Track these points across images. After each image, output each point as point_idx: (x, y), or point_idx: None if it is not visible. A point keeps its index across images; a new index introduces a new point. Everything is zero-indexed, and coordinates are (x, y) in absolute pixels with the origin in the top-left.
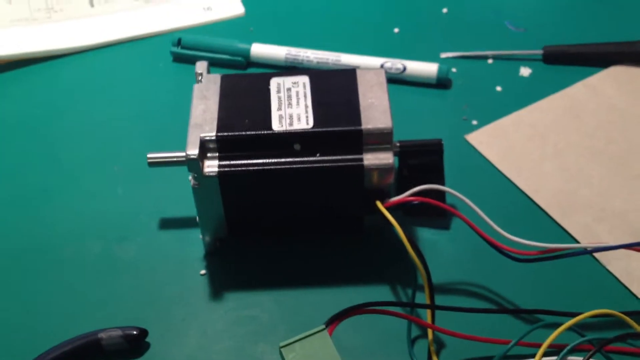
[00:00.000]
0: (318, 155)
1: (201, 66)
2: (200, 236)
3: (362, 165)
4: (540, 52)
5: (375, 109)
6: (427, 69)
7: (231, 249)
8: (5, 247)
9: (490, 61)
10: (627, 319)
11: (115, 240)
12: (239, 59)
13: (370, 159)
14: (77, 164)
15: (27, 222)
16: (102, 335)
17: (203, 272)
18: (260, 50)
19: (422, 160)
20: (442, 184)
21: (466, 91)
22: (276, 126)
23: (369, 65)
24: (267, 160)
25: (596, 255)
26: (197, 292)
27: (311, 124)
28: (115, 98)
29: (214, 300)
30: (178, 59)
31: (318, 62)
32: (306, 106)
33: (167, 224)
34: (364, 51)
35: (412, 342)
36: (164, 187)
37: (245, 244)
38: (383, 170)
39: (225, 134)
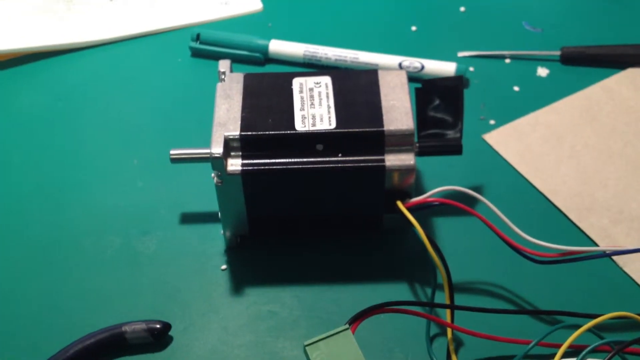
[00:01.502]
0: (340, 155)
1: (224, 65)
2: (221, 232)
3: (384, 166)
4: (557, 52)
5: (397, 111)
6: (445, 68)
7: (251, 245)
8: (27, 240)
9: (507, 61)
10: None
11: (136, 234)
12: (257, 55)
13: (392, 159)
14: (97, 157)
15: (47, 216)
16: (126, 328)
17: (224, 267)
18: (278, 47)
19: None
20: (461, 118)
21: (484, 91)
22: (299, 126)
23: (387, 63)
24: (289, 160)
25: (613, 257)
26: (218, 287)
27: (334, 124)
28: (134, 92)
29: (235, 295)
30: (197, 54)
31: (336, 60)
32: (329, 107)
33: (188, 218)
34: (381, 49)
35: (431, 340)
36: (184, 182)
37: (266, 240)
38: (404, 171)
39: (249, 133)
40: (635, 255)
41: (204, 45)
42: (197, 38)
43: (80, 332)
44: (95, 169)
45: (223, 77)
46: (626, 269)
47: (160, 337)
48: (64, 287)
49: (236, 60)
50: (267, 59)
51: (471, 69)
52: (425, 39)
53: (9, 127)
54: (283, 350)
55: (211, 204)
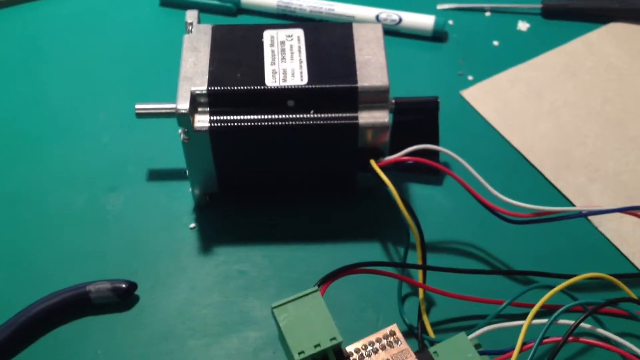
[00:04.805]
0: (312, 112)
1: (191, 15)
2: (190, 190)
3: (357, 124)
4: (539, 6)
5: (372, 66)
6: (423, 21)
7: (221, 203)
8: None
9: (487, 14)
10: (618, 282)
11: (102, 191)
12: (229, 5)
13: (366, 117)
14: (61, 111)
15: (9, 172)
16: (90, 288)
17: (192, 225)
18: None
19: (418, 117)
20: (437, 141)
21: (462, 45)
22: (269, 82)
23: (363, 15)
24: (259, 117)
25: (588, 217)
26: (186, 245)
27: (305, 80)
28: (99, 42)
29: (204, 254)
30: (166, 2)
31: (311, 11)
32: (300, 61)
33: (156, 175)
34: (358, 0)
35: (402, 300)
36: (152, 137)
37: (236, 199)
38: (378, 129)
39: (217, 88)
40: (611, 215)
41: None
42: None
43: (43, 291)
44: (59, 123)
45: (190, 28)
46: (601, 229)
47: (125, 296)
48: (27, 245)
49: (207, 10)
50: (239, 9)
51: (450, 22)
52: None
53: None
54: (252, 309)
55: (180, 161)
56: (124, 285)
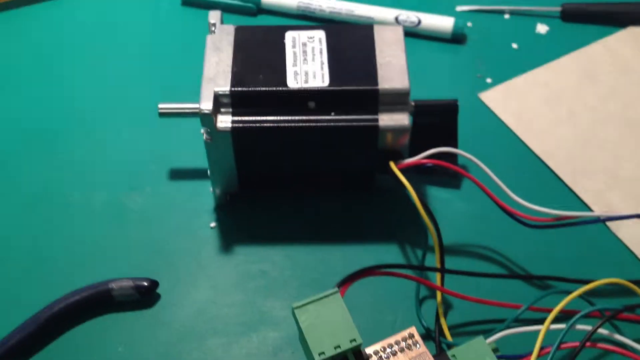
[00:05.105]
0: (333, 114)
1: (214, 16)
2: (211, 189)
3: (377, 126)
4: (558, 9)
5: (392, 68)
6: (443, 23)
7: (242, 203)
8: (12, 194)
9: (507, 16)
10: (636, 288)
11: (124, 189)
12: (250, 5)
13: (386, 119)
14: (84, 108)
15: (33, 169)
16: (113, 285)
17: (213, 224)
18: None
19: (437, 120)
20: (455, 144)
21: (481, 47)
22: (291, 83)
23: (383, 17)
24: (280, 117)
25: (607, 222)
26: (207, 244)
27: (327, 82)
28: (122, 41)
29: (224, 254)
30: (187, 2)
31: (331, 12)
32: (322, 63)
33: (177, 174)
34: (377, 1)
35: (420, 303)
36: (173, 136)
37: (256, 198)
38: (398, 131)
39: (239, 89)
40: (629, 221)
41: None
42: None
43: (66, 288)
44: (82, 122)
45: (213, 29)
46: (619, 235)
47: (147, 294)
48: (50, 242)
49: (228, 10)
50: (260, 9)
51: (469, 24)
52: None
53: None
54: (272, 309)
55: (201, 160)
56: (145, 283)
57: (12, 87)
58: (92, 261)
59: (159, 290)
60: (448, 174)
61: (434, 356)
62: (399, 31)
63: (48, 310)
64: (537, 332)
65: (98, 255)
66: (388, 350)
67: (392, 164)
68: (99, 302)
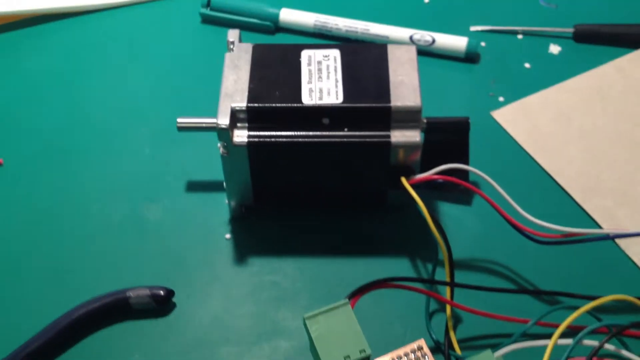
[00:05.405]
0: (346, 130)
1: (233, 34)
2: (226, 201)
3: (389, 142)
4: (571, 30)
5: (405, 87)
6: (456, 42)
7: (256, 215)
8: (35, 204)
9: (520, 37)
10: None
11: (143, 201)
12: (268, 23)
13: (398, 136)
14: (105, 121)
15: (55, 181)
16: (130, 293)
17: (228, 236)
18: (289, 16)
19: (449, 137)
20: (467, 161)
21: (494, 66)
22: (306, 100)
23: (398, 36)
24: (295, 133)
25: (616, 239)
26: (221, 255)
27: (341, 99)
28: (143, 57)
29: (238, 265)
30: (207, 20)
31: (347, 31)
32: (336, 80)
33: (194, 187)
34: (392, 20)
35: (430, 316)
36: (190, 150)
37: (270, 211)
38: (410, 147)
39: (256, 105)
40: (638, 238)
41: (215, 12)
42: (208, 4)
43: (85, 296)
44: (102, 136)
45: (232, 47)
46: (628, 252)
47: (163, 303)
48: (70, 252)
49: (246, 28)
50: (278, 27)
51: (483, 43)
52: (438, 12)
53: (17, 89)
54: (284, 320)
55: (217, 173)
56: (162, 292)
57: (34, 102)
58: (110, 270)
59: (174, 300)
60: (459, 190)
61: None
62: (412, 50)
63: (67, 316)
64: (544, 347)
65: (116, 265)
66: None
67: (403, 180)
68: (116, 309)
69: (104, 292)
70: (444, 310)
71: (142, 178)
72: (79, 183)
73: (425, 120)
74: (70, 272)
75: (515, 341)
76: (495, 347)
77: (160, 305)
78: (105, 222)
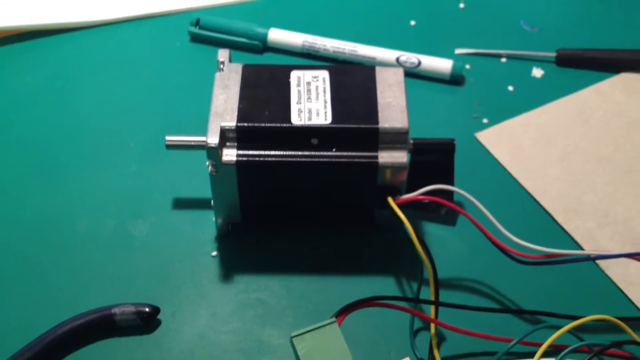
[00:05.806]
0: (334, 150)
1: (223, 54)
2: (214, 219)
3: (377, 163)
4: (553, 54)
5: (393, 109)
6: (442, 65)
7: (243, 233)
8: (21, 219)
9: (503, 60)
10: (623, 325)
11: (129, 217)
12: (256, 43)
13: (385, 157)
14: (93, 139)
15: (42, 196)
16: (115, 310)
17: (214, 253)
18: (277, 36)
19: (434, 158)
20: (452, 182)
21: (478, 89)
22: (295, 120)
23: (384, 57)
24: (284, 153)
25: (596, 260)
26: (208, 273)
27: (329, 119)
28: (132, 74)
29: (224, 282)
30: (195, 39)
31: (334, 52)
32: (325, 101)
33: (181, 204)
34: (379, 42)
35: (414, 335)
36: (178, 167)
37: (257, 229)
38: (397, 168)
39: (245, 124)
40: (618, 259)
41: (203, 31)
42: (197, 23)
43: (70, 312)
44: (91, 151)
45: (222, 66)
46: (609, 273)
47: (148, 320)
48: (56, 268)
49: (235, 47)
50: (266, 47)
51: (467, 66)
52: (424, 34)
53: (4, 104)
54: (270, 338)
55: (204, 190)
56: (147, 309)
57: (22, 117)
58: (96, 286)
59: (160, 316)
60: (444, 210)
61: None
62: (400, 73)
63: (52, 332)
64: None
65: (103, 281)
66: None
67: (390, 200)
68: (101, 326)
69: (90, 308)
70: (429, 328)
71: (130, 195)
72: (67, 199)
73: (412, 142)
74: (55, 288)
75: None
76: None
77: (146, 322)
78: (91, 238)
